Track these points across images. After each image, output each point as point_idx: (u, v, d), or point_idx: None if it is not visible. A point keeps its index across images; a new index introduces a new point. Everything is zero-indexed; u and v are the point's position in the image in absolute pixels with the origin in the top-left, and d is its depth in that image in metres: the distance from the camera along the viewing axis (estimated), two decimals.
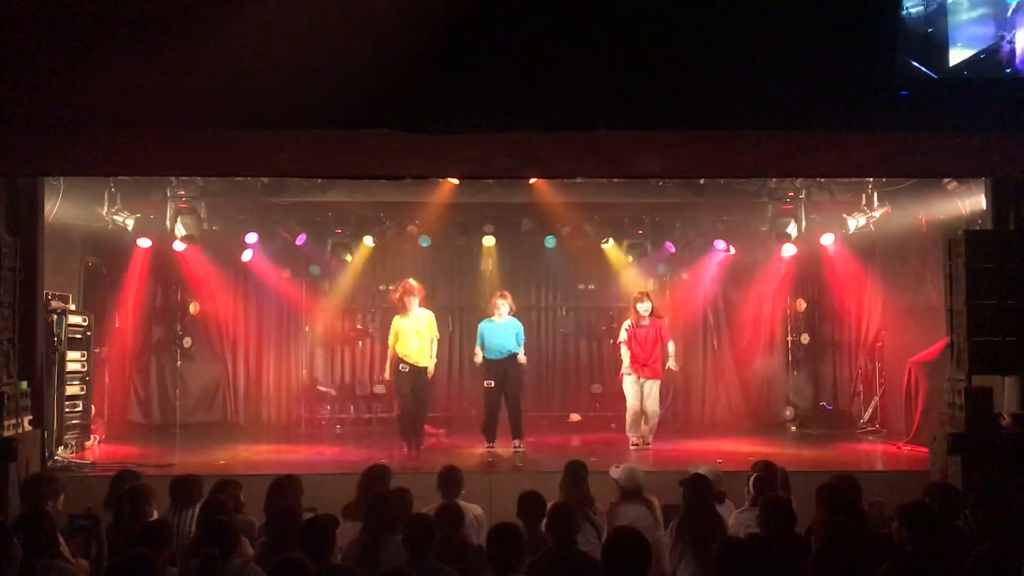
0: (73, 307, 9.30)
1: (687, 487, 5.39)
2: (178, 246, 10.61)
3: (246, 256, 11.27)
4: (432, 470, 6.23)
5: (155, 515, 5.28)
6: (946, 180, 8.54)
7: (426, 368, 9.29)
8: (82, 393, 9.24)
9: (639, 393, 9.24)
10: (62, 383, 8.81)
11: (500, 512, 5.49)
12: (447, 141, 5.37)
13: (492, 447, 9.08)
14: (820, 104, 5.17)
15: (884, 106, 5.14)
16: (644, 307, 9.41)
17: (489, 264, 11.83)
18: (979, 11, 5.06)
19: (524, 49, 4.94)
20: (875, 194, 9.94)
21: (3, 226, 7.22)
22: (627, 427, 9.33)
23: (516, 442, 9.06)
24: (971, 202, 8.48)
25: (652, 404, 9.27)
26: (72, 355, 9.08)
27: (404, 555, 4.45)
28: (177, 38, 4.83)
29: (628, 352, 9.33)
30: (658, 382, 9.39)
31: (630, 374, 9.29)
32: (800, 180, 10.06)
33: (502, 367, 9.23)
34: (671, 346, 9.50)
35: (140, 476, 5.94)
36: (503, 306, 9.30)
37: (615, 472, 5.79)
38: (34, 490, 5.46)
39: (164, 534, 4.69)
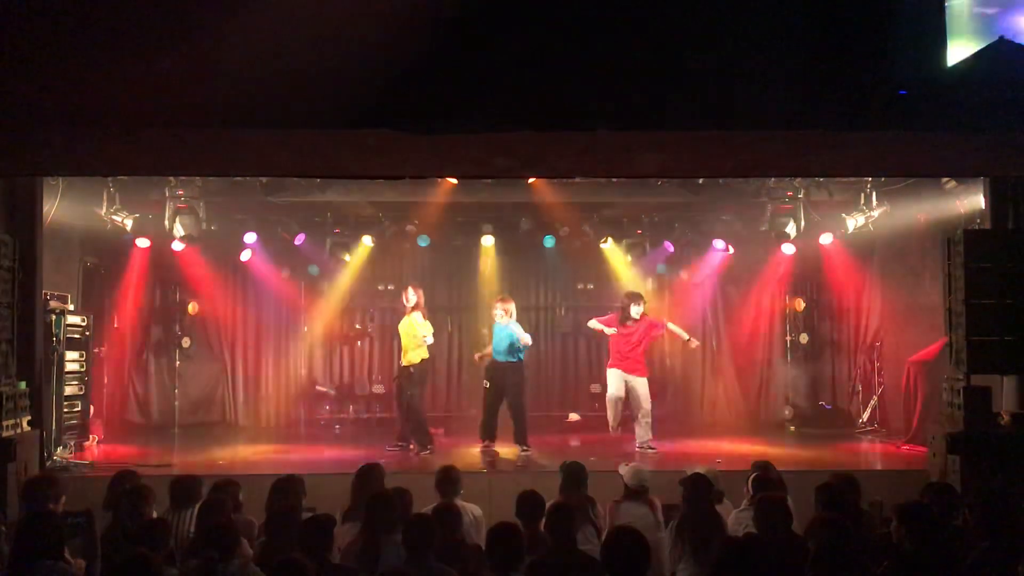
0: (72, 307, 9.29)
1: (687, 486, 5.40)
2: (177, 246, 10.61)
3: (245, 256, 11.27)
4: (430, 470, 6.23)
5: (154, 515, 5.28)
6: (945, 179, 8.54)
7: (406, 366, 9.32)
8: (81, 393, 9.24)
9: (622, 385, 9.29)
10: (61, 383, 8.80)
11: (499, 512, 5.49)
12: (447, 141, 5.37)
13: (488, 445, 9.09)
14: (819, 104, 5.18)
15: (883, 106, 5.15)
16: (639, 310, 9.40)
17: (488, 264, 11.83)
18: (978, 11, 5.07)
19: (524, 49, 4.95)
20: (874, 194, 9.95)
21: (2, 226, 7.22)
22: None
23: (521, 447, 9.01)
24: (969, 201, 8.49)
25: (645, 403, 9.26)
26: (71, 355, 9.07)
27: (404, 555, 4.44)
28: (178, 39, 4.83)
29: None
30: (645, 379, 9.37)
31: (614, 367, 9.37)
32: (799, 180, 10.07)
33: (499, 370, 9.23)
34: (673, 327, 9.71)
35: (139, 476, 5.94)
36: (498, 311, 9.26)
37: (623, 469, 5.82)
38: (36, 491, 5.46)
39: (162, 533, 4.69)
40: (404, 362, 9.27)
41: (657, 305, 12.14)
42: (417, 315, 9.25)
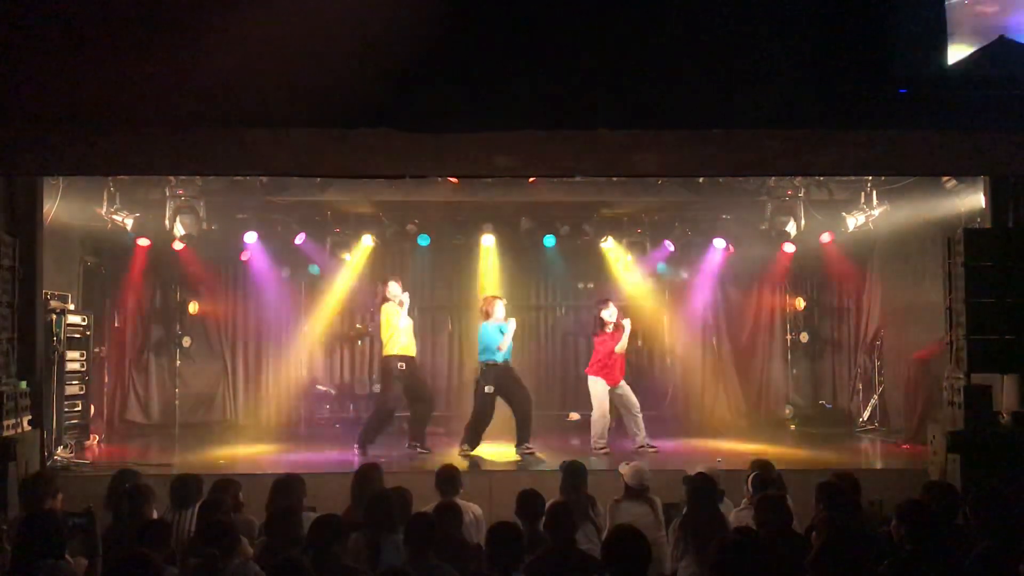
0: (72, 307, 9.30)
1: (690, 485, 5.40)
2: (177, 245, 10.61)
3: (245, 255, 11.27)
4: (430, 470, 6.23)
5: (155, 515, 5.29)
6: (945, 178, 8.54)
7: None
8: (81, 393, 9.25)
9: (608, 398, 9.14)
10: (61, 383, 8.80)
11: (499, 511, 5.49)
12: (447, 141, 5.38)
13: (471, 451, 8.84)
14: (819, 102, 5.18)
15: (883, 104, 5.15)
16: (611, 313, 9.30)
17: (488, 263, 11.83)
18: (978, 10, 5.07)
19: (524, 49, 4.95)
20: (874, 192, 9.95)
21: (2, 226, 7.21)
22: (601, 435, 9.05)
23: (525, 447, 8.93)
24: (970, 200, 8.48)
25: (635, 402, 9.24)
26: (71, 355, 9.08)
27: (404, 554, 4.44)
28: (177, 38, 4.84)
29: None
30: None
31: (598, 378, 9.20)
32: (799, 178, 10.06)
33: (506, 373, 9.09)
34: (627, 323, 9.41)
35: (139, 475, 5.95)
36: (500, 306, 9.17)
37: (624, 469, 5.82)
38: (31, 489, 5.47)
39: (162, 533, 4.69)
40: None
41: (656, 305, 12.18)
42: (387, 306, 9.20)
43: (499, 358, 8.96)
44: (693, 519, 5.12)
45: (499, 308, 9.16)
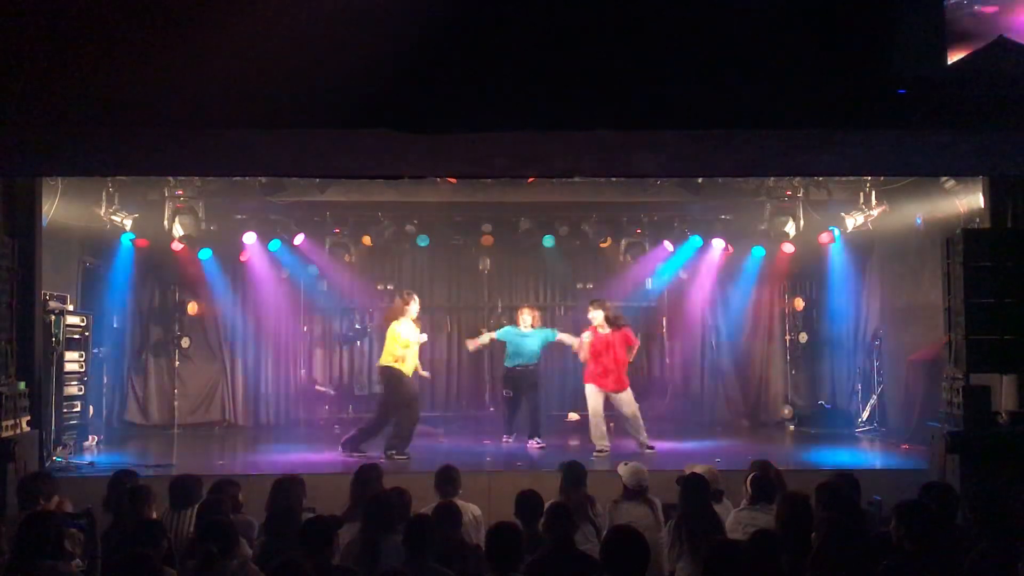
0: (71, 307, 9.29)
1: (683, 486, 5.40)
2: (176, 246, 10.60)
3: (244, 256, 11.26)
4: (429, 470, 6.23)
5: (154, 515, 5.28)
6: (944, 178, 8.54)
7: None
8: (80, 393, 9.23)
9: (601, 401, 9.05)
10: (60, 383, 8.79)
11: (499, 511, 5.49)
12: (446, 141, 5.37)
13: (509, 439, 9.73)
14: (818, 103, 5.18)
15: (883, 104, 5.15)
16: (594, 316, 9.18)
17: (487, 263, 11.83)
18: (978, 10, 5.08)
19: (523, 49, 4.95)
20: (873, 192, 9.95)
21: (1, 226, 7.21)
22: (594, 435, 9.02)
23: (537, 439, 9.38)
24: (969, 200, 8.49)
25: (630, 408, 9.11)
26: (70, 355, 9.07)
27: (403, 555, 4.44)
28: (177, 38, 4.83)
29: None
30: (625, 392, 9.11)
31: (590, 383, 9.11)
32: (798, 179, 10.07)
33: (520, 377, 9.66)
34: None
35: (138, 476, 5.94)
36: (527, 316, 9.74)
37: (622, 469, 5.81)
38: (29, 490, 5.47)
39: (161, 534, 4.69)
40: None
41: (656, 304, 12.19)
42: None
43: (510, 364, 9.69)
44: (687, 520, 5.12)
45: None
